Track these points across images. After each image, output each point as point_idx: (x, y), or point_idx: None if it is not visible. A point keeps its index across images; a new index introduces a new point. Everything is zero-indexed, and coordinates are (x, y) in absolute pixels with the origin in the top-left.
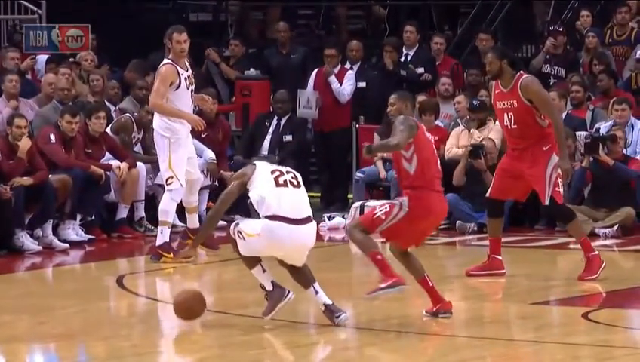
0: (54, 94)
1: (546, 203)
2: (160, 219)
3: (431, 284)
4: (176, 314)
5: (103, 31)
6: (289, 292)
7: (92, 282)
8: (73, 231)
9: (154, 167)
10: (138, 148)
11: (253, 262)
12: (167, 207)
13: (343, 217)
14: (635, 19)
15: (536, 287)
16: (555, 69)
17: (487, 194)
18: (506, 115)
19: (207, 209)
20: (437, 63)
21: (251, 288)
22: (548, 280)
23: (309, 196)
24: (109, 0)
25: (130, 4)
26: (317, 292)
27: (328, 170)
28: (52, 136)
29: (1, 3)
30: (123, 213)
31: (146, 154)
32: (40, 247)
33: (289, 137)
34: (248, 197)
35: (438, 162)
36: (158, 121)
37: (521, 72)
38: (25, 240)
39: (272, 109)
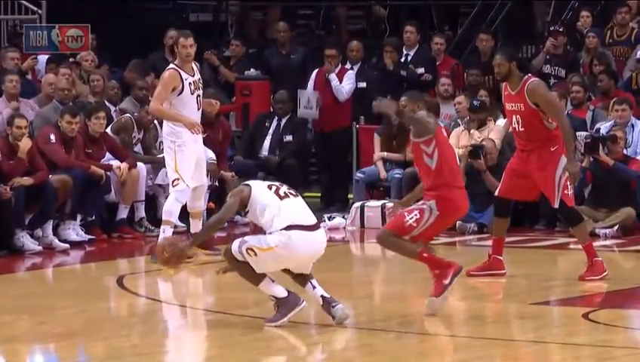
0: (55, 94)
1: (556, 206)
2: (163, 218)
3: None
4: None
5: (103, 31)
6: (303, 300)
7: (92, 282)
8: (73, 231)
9: (154, 168)
10: (138, 148)
11: (258, 277)
12: (171, 207)
13: (343, 217)
14: (635, 19)
15: (536, 287)
16: (555, 70)
17: (496, 193)
18: (514, 117)
19: (208, 209)
20: (437, 63)
21: (251, 288)
22: (548, 281)
23: (309, 196)
24: (109, 0)
25: (130, 4)
26: (314, 287)
27: (328, 170)
28: (52, 137)
29: (1, 3)
30: (123, 213)
31: (146, 154)
32: (40, 247)
33: (289, 137)
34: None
35: (457, 158)
36: (164, 126)
37: (529, 75)
38: (25, 240)
39: (272, 109)
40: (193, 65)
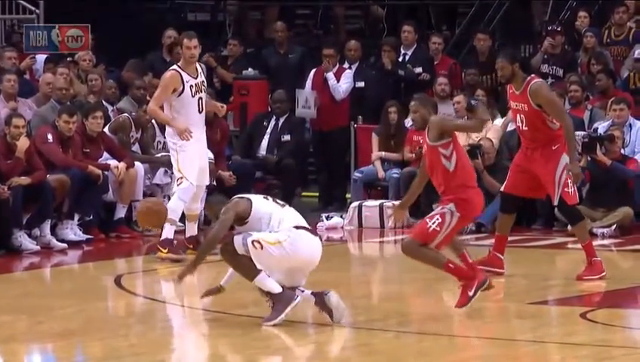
0: (52, 94)
1: (555, 203)
2: (168, 215)
3: (470, 261)
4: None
5: (101, 30)
6: (298, 296)
7: (90, 282)
8: (71, 230)
9: (152, 167)
10: (136, 147)
11: (254, 271)
12: (174, 206)
13: (341, 217)
14: (633, 19)
15: (534, 287)
16: (553, 69)
17: (502, 189)
18: (518, 115)
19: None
20: (435, 63)
21: (249, 288)
22: (546, 280)
23: (308, 196)
24: (107, 0)
25: (129, 3)
26: (302, 291)
27: (326, 169)
28: (49, 136)
29: None
30: (121, 212)
31: (144, 153)
32: (38, 247)
33: (287, 137)
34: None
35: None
36: (167, 126)
37: (532, 75)
38: (23, 240)
39: (270, 109)
40: (197, 66)
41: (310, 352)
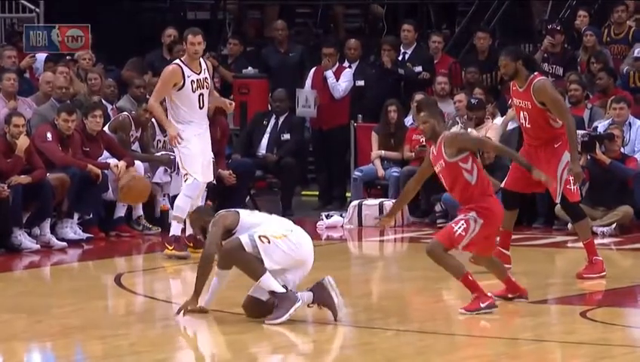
0: (52, 92)
1: (557, 200)
2: (173, 213)
3: (513, 279)
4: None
5: (101, 29)
6: (300, 298)
7: (90, 281)
8: (71, 229)
9: (152, 166)
10: (136, 146)
11: (260, 271)
12: (180, 203)
13: (341, 216)
14: (633, 17)
15: (534, 286)
16: (552, 68)
17: (502, 185)
18: (522, 113)
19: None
20: (435, 62)
21: (248, 287)
22: (546, 279)
23: (308, 194)
24: None
25: (129, 2)
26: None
27: (326, 168)
28: (49, 135)
29: None
30: (121, 211)
31: (144, 152)
32: (38, 246)
33: (287, 136)
34: (248, 196)
35: None
36: None
37: (536, 73)
38: (23, 238)
39: (270, 108)
40: (202, 62)
41: (310, 351)
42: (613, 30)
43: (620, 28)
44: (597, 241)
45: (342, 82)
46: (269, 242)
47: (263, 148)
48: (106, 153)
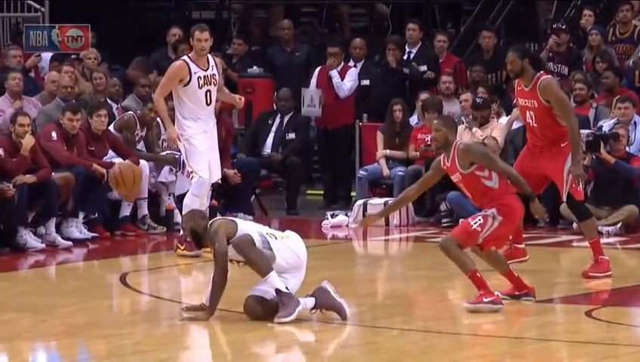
0: (57, 92)
1: (564, 199)
2: (183, 212)
3: (516, 275)
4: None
5: (106, 29)
6: (301, 302)
7: (95, 280)
8: (76, 229)
9: (157, 165)
10: (141, 145)
11: (268, 268)
12: (188, 202)
13: (346, 215)
14: (638, 17)
15: (539, 285)
16: (558, 67)
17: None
18: (528, 112)
19: (211, 207)
20: (440, 61)
21: (253, 285)
22: (551, 278)
23: (312, 194)
24: None
25: (133, 1)
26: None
27: (331, 167)
28: (54, 134)
29: (4, 1)
30: (126, 210)
31: (149, 152)
32: (43, 245)
33: (292, 135)
34: (253, 195)
35: None
36: (176, 119)
37: (542, 72)
38: (28, 238)
39: (275, 107)
40: (210, 59)
41: (315, 350)
42: (619, 29)
43: (625, 27)
44: (602, 241)
45: (347, 81)
46: (275, 238)
47: (268, 148)
48: (111, 152)
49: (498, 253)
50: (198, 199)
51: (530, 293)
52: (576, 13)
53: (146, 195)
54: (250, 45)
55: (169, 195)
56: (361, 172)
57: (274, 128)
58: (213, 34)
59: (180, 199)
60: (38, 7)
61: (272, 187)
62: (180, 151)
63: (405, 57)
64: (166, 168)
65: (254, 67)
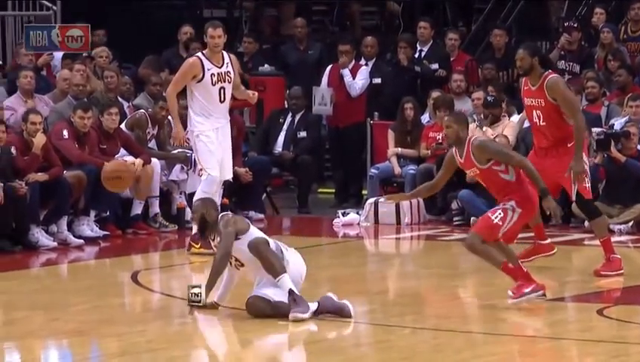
0: (69, 90)
1: (573, 198)
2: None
3: (525, 270)
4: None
5: (117, 27)
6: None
7: (106, 278)
8: (88, 227)
9: (168, 163)
10: (152, 144)
11: (282, 269)
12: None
13: (357, 213)
14: None
15: (551, 283)
16: (569, 65)
17: None
18: (534, 112)
19: (222, 205)
20: (451, 59)
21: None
22: (563, 277)
23: (324, 192)
24: None
25: (145, 0)
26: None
27: (343, 166)
28: (65, 132)
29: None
30: (138, 209)
31: (161, 150)
32: (55, 243)
33: (303, 133)
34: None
35: None
36: (189, 115)
37: (549, 70)
38: (40, 236)
39: (286, 105)
40: (225, 56)
41: (326, 348)
42: (630, 27)
43: (637, 25)
44: (614, 239)
45: (358, 80)
46: (287, 250)
47: (279, 146)
48: (122, 150)
49: (508, 246)
50: (207, 195)
51: (540, 289)
52: (588, 11)
53: (158, 193)
54: (261, 43)
55: (180, 193)
56: (373, 170)
57: (285, 126)
58: (225, 32)
59: (191, 197)
60: (49, 5)
61: (283, 185)
62: (191, 150)
63: (416, 55)
64: (177, 166)
65: (265, 65)
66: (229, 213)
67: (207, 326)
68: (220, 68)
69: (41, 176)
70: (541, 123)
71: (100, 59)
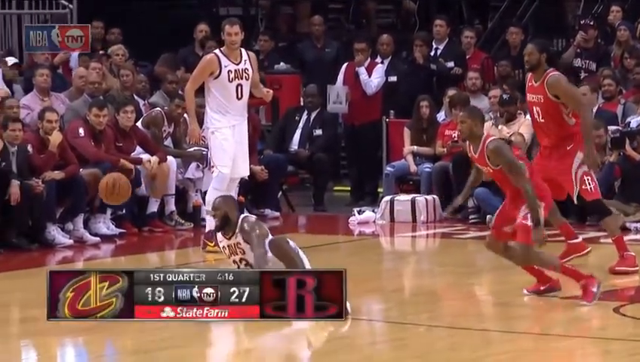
0: (85, 88)
1: (575, 201)
2: (206, 208)
3: (536, 267)
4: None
5: (133, 25)
6: None
7: None
8: (104, 224)
9: (184, 161)
10: (169, 142)
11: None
12: (209, 197)
13: (373, 211)
14: None
15: (566, 281)
16: (586, 63)
17: None
18: (535, 108)
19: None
20: (467, 57)
21: None
22: None
23: (340, 190)
24: None
25: None
26: None
27: (358, 164)
28: (81, 130)
29: None
30: (154, 207)
31: (177, 148)
32: (71, 241)
33: (319, 131)
34: (280, 191)
35: None
36: (206, 110)
37: (552, 68)
38: (56, 234)
39: (302, 103)
40: (243, 53)
41: (342, 346)
42: None
43: None
44: (630, 237)
45: (374, 78)
46: (299, 250)
47: (295, 144)
48: (138, 148)
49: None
50: (218, 192)
51: (555, 288)
52: (604, 9)
53: (174, 191)
54: (277, 42)
55: (196, 191)
56: (388, 168)
57: (301, 124)
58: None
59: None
60: (66, 4)
61: (299, 183)
62: (207, 148)
63: (432, 53)
64: (193, 164)
65: (281, 63)
66: (249, 214)
67: (223, 324)
68: (238, 65)
69: (58, 174)
70: (540, 119)
71: (116, 57)
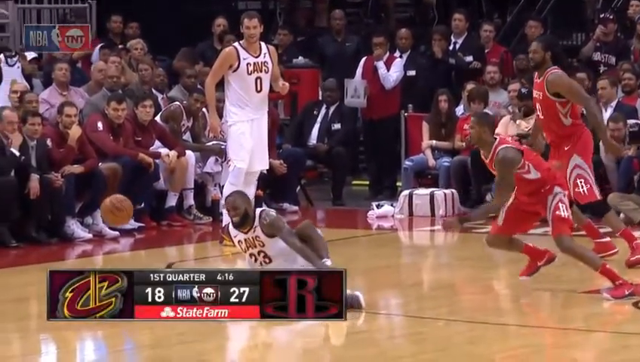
0: (104, 81)
1: (573, 199)
2: (223, 203)
3: (532, 245)
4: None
5: (151, 19)
6: None
7: None
8: None
9: (203, 155)
10: (187, 136)
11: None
12: (227, 191)
13: (391, 205)
14: None
15: (584, 276)
16: (605, 57)
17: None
18: (537, 104)
19: (256, 197)
20: (486, 51)
21: None
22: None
23: (359, 184)
24: None
25: None
26: None
27: (377, 158)
28: (100, 125)
29: None
30: (172, 201)
31: (195, 142)
32: (90, 235)
33: (338, 125)
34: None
35: None
36: (226, 103)
37: (554, 67)
38: (75, 228)
39: (320, 97)
40: (263, 47)
41: (361, 340)
42: None
43: None
44: None
45: (393, 72)
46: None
47: (313, 138)
48: (157, 143)
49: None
50: (234, 187)
51: (550, 259)
52: (624, 2)
53: (192, 186)
54: (295, 36)
55: (215, 186)
56: (407, 162)
57: (319, 118)
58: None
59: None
60: None
61: (317, 177)
62: (226, 142)
63: (451, 47)
64: (212, 159)
65: (300, 57)
66: (266, 208)
67: (239, 320)
68: (257, 58)
69: (77, 168)
70: (541, 116)
71: (134, 51)
